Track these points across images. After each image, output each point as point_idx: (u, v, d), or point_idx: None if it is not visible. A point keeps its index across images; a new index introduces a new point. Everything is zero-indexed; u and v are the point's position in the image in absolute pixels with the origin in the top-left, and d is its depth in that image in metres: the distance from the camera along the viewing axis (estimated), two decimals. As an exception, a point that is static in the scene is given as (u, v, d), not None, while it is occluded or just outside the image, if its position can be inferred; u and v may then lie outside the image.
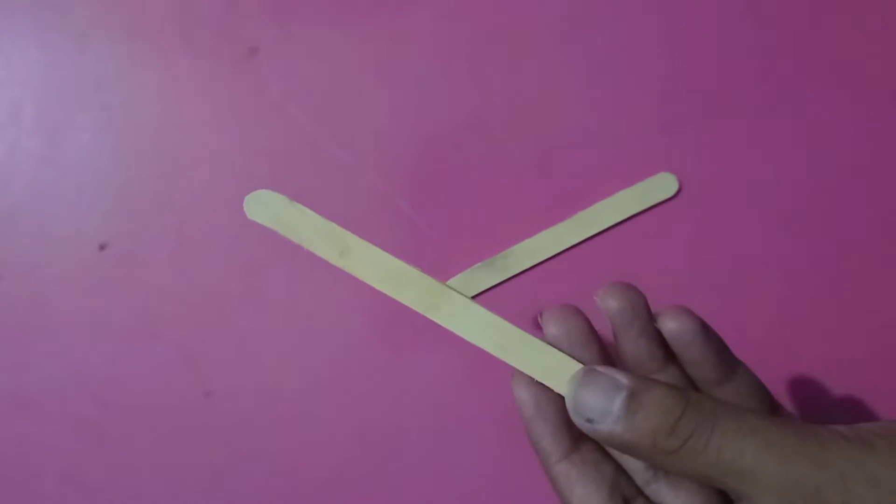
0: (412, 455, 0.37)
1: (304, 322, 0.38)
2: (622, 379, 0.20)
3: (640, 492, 0.22)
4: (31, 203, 0.38)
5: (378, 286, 0.22)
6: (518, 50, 0.38)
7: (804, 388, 0.37)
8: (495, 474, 0.37)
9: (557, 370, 0.21)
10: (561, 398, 0.22)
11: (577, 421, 0.21)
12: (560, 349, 0.22)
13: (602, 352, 0.22)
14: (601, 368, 0.21)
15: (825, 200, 0.38)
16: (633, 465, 0.23)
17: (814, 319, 0.37)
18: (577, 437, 0.22)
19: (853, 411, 0.37)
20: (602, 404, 0.20)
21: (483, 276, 0.35)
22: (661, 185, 0.30)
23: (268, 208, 0.22)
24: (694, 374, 0.22)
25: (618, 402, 0.19)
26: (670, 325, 0.22)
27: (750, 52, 0.38)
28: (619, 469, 0.22)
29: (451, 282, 0.23)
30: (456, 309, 0.22)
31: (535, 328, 0.24)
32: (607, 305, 0.22)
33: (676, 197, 0.36)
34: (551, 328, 0.22)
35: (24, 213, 0.38)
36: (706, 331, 0.22)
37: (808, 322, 0.37)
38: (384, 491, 0.37)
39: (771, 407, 0.23)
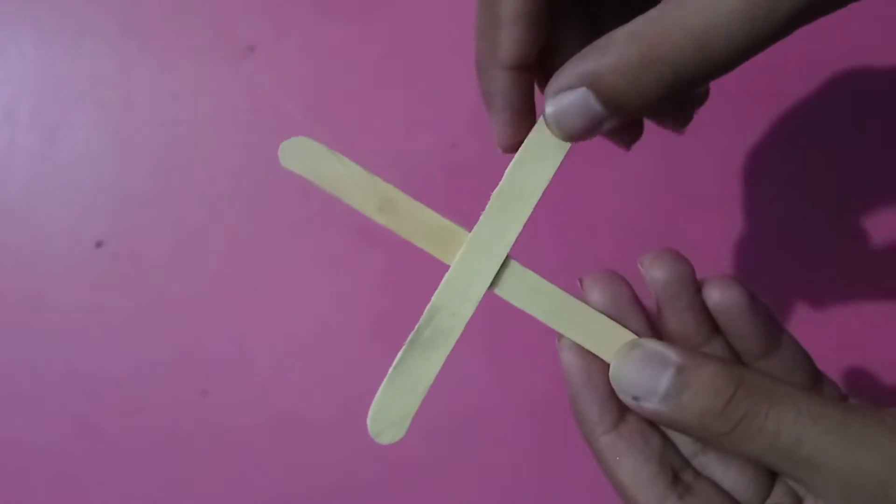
0: (410, 454, 0.37)
1: (302, 321, 0.37)
2: (671, 355, 0.19)
3: (687, 463, 0.21)
4: (27, 200, 0.38)
5: (420, 244, 0.22)
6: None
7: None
8: (495, 474, 0.37)
9: (607, 339, 0.21)
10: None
11: (623, 398, 0.20)
12: (611, 317, 0.21)
13: (648, 321, 0.21)
14: (648, 342, 0.20)
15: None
16: (680, 437, 0.22)
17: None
18: (623, 407, 0.21)
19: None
20: (648, 382, 0.19)
21: None
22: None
23: (304, 157, 0.21)
24: (739, 346, 0.21)
25: (664, 381, 0.19)
26: (717, 298, 0.21)
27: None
28: (667, 440, 0.21)
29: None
30: (504, 272, 0.21)
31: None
32: (653, 276, 0.21)
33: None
34: (595, 295, 0.21)
35: (21, 210, 0.37)
36: (754, 303, 0.21)
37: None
38: (383, 491, 0.37)
39: (815, 378, 0.22)
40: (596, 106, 0.18)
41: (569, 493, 0.37)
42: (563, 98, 0.19)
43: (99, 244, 0.37)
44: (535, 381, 0.37)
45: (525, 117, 0.21)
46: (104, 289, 0.37)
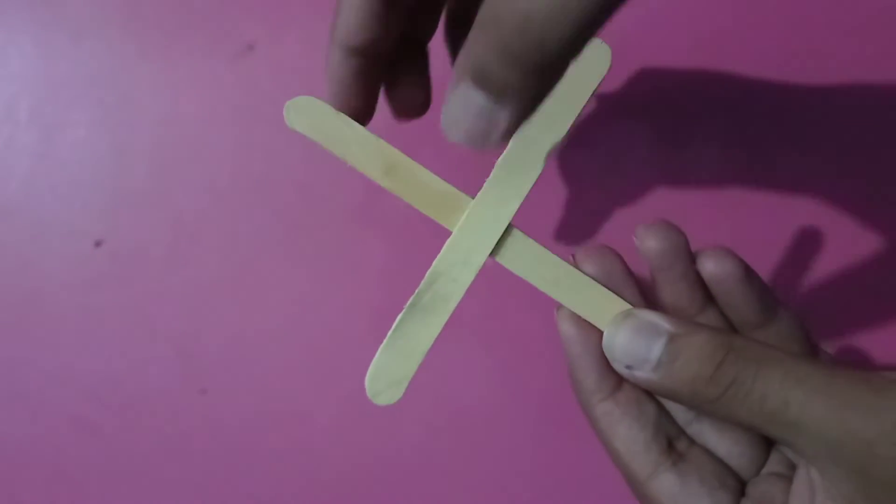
0: (410, 454, 0.37)
1: (301, 320, 0.37)
2: (663, 324, 0.19)
3: (682, 431, 0.22)
4: (26, 199, 0.37)
5: (423, 210, 0.21)
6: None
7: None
8: (495, 475, 0.37)
9: (604, 308, 0.21)
10: None
11: (616, 367, 0.20)
12: (608, 287, 0.21)
13: (640, 292, 0.22)
14: (641, 312, 0.20)
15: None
16: (675, 405, 0.22)
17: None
18: (619, 376, 0.21)
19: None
20: (640, 351, 0.19)
21: None
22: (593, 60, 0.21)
23: (310, 117, 0.21)
24: (733, 316, 0.22)
25: (656, 349, 0.19)
26: (711, 268, 0.21)
27: None
28: (661, 408, 0.22)
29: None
30: (506, 240, 0.21)
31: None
32: (647, 246, 0.21)
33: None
34: (587, 268, 0.21)
35: (19, 209, 0.37)
36: (748, 274, 0.21)
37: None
38: (382, 490, 0.37)
39: (810, 351, 0.22)
40: (477, 97, 0.15)
41: (569, 489, 0.37)
42: (448, 104, 0.16)
43: (98, 243, 0.37)
44: (534, 377, 0.37)
45: (354, 96, 0.22)
46: (103, 288, 0.37)
